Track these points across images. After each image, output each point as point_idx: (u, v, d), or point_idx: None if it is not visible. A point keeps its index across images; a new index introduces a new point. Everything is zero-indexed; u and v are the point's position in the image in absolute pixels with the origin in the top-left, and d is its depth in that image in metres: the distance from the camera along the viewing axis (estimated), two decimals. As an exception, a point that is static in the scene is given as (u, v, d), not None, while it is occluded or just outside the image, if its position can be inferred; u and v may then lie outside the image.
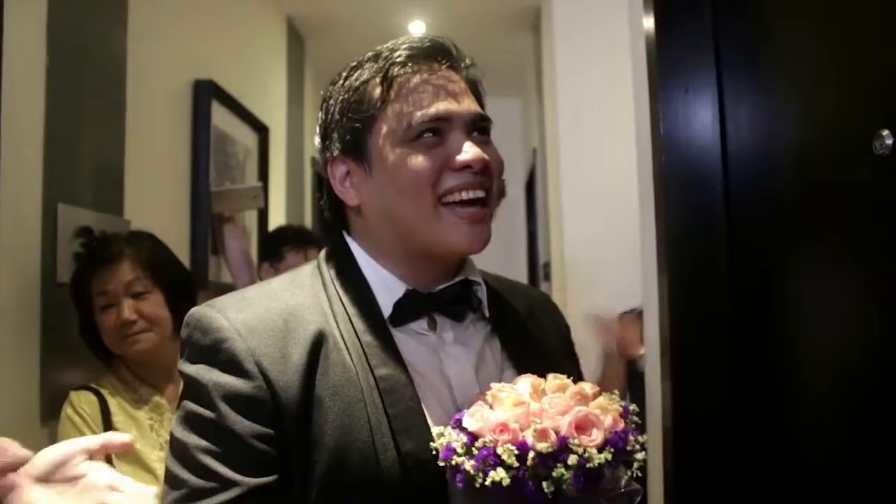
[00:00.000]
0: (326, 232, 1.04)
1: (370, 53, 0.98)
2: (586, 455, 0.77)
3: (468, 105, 0.95)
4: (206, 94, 2.65)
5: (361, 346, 0.90)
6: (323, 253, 1.02)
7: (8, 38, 1.53)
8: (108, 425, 1.54)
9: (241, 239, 2.71)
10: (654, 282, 1.55)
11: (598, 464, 0.77)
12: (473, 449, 0.79)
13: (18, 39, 1.58)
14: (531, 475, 0.76)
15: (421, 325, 0.96)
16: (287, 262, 2.40)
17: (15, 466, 0.89)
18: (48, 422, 1.64)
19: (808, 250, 1.24)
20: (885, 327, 1.04)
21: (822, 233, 1.20)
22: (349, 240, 1.00)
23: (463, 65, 1.00)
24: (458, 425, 0.83)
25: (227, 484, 0.81)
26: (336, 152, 0.97)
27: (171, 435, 0.87)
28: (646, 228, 1.62)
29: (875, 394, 1.07)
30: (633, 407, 0.86)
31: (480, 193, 0.93)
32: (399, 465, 0.84)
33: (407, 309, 0.94)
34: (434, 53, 0.96)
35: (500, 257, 4.60)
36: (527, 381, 0.86)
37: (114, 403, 1.57)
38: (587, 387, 0.85)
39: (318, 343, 0.88)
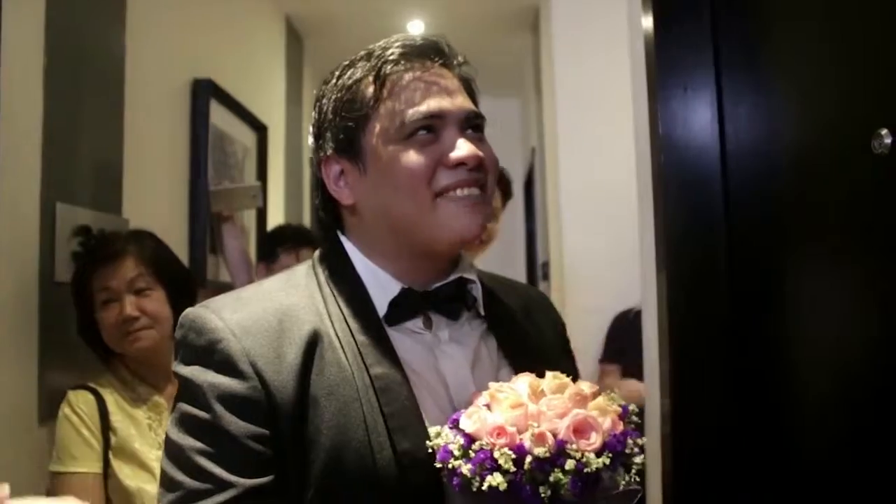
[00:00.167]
0: (324, 232, 1.04)
1: (363, 52, 0.98)
2: (584, 460, 0.76)
3: (461, 102, 0.95)
4: (205, 93, 2.64)
5: (356, 345, 0.90)
6: (317, 253, 1.02)
7: (6, 37, 1.53)
8: (105, 425, 1.54)
9: (240, 238, 2.71)
10: (652, 281, 1.55)
11: (596, 468, 0.76)
12: (470, 452, 0.78)
13: (16, 39, 1.58)
14: (528, 479, 0.76)
15: (416, 323, 0.95)
16: (281, 262, 2.40)
17: None
18: (46, 422, 1.64)
19: (808, 250, 1.24)
20: (885, 327, 1.04)
21: (821, 232, 1.20)
22: (343, 239, 1.00)
23: (455, 62, 0.99)
24: (455, 426, 0.82)
25: (223, 485, 0.81)
26: (330, 151, 0.96)
27: (167, 436, 0.87)
28: (645, 228, 1.62)
29: (875, 394, 1.07)
30: (632, 407, 0.86)
31: (475, 191, 0.93)
32: (395, 465, 0.84)
33: (402, 308, 0.94)
34: (427, 51, 0.96)
35: (499, 257, 4.61)
36: (525, 381, 0.85)
37: (112, 403, 1.57)
38: (586, 387, 0.85)
39: (313, 343, 0.88)
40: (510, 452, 0.76)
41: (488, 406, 0.83)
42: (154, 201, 2.30)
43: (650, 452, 1.63)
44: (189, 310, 0.92)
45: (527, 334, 1.04)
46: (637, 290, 2.14)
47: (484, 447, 0.78)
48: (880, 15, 1.03)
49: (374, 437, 0.85)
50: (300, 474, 0.84)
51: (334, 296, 0.94)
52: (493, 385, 0.85)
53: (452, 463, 0.79)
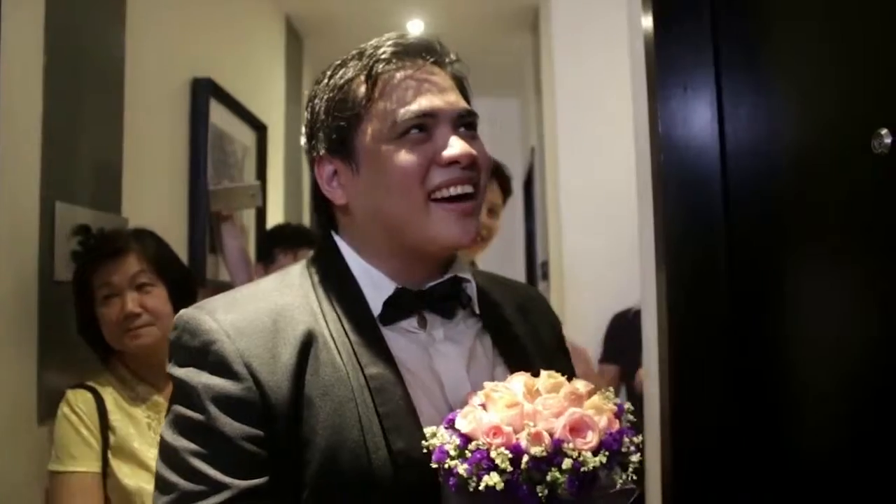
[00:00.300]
0: (320, 231, 1.04)
1: (355, 51, 0.97)
2: (581, 459, 0.76)
3: (454, 100, 0.95)
4: (205, 92, 2.64)
5: (351, 345, 0.90)
6: (312, 253, 1.02)
7: (6, 36, 1.52)
8: (104, 423, 1.54)
9: (240, 238, 2.71)
10: (652, 281, 1.55)
11: (593, 467, 0.76)
12: (466, 452, 0.78)
13: (16, 38, 1.58)
14: (525, 479, 0.76)
15: (411, 323, 0.95)
16: (278, 263, 2.39)
17: None
18: (45, 421, 1.64)
19: (808, 249, 1.24)
20: (885, 327, 1.04)
21: (821, 232, 1.20)
22: (338, 239, 0.99)
23: (448, 60, 0.99)
24: (451, 426, 0.82)
25: (218, 487, 0.81)
26: (322, 152, 0.96)
27: (161, 438, 0.87)
28: (644, 227, 1.62)
29: (875, 393, 1.07)
30: (627, 405, 0.86)
31: (469, 189, 0.93)
32: (391, 464, 0.84)
33: (396, 307, 0.94)
34: (419, 50, 0.96)
35: (499, 256, 4.61)
36: (520, 380, 0.85)
37: (111, 402, 1.57)
38: (581, 385, 0.85)
39: (308, 343, 0.88)
40: (507, 452, 0.76)
41: (483, 406, 0.83)
42: (153, 200, 2.30)
43: (650, 452, 1.63)
44: (183, 311, 0.92)
45: (522, 332, 1.03)
46: (636, 289, 2.14)
47: (480, 447, 0.77)
48: (880, 15, 1.03)
49: (369, 437, 0.84)
50: (295, 475, 0.84)
51: (328, 296, 0.94)
52: (488, 384, 0.85)
53: (449, 463, 0.78)
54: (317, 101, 0.97)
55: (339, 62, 0.98)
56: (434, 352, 0.94)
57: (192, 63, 2.63)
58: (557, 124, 3.15)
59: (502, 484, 0.75)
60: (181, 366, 0.88)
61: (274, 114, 3.59)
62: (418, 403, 0.89)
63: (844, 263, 1.15)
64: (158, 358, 1.64)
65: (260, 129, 3.32)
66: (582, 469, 0.76)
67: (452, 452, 0.79)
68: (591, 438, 0.78)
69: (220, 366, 0.85)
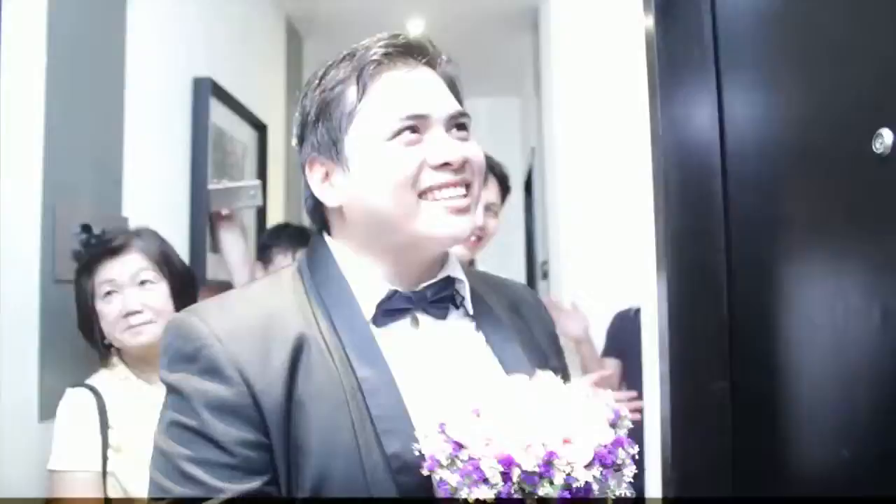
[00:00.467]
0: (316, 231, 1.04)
1: (346, 52, 0.97)
2: (573, 473, 0.75)
3: (445, 102, 0.94)
4: (205, 92, 2.64)
5: (343, 347, 0.89)
6: (304, 254, 1.01)
7: (7, 36, 1.53)
8: (104, 422, 1.54)
9: (240, 237, 2.70)
10: (653, 281, 1.55)
11: (586, 482, 0.75)
12: (457, 461, 0.77)
13: (18, 37, 1.58)
14: (516, 490, 0.75)
15: (403, 324, 0.95)
16: (276, 263, 2.39)
17: None
18: (46, 419, 1.64)
19: (808, 249, 1.24)
20: (886, 327, 1.04)
21: (821, 232, 1.20)
22: (329, 240, 0.99)
23: (439, 60, 0.98)
24: (443, 431, 0.81)
25: (211, 492, 0.81)
26: (314, 153, 0.96)
27: (154, 444, 0.87)
28: (644, 227, 1.62)
29: (875, 394, 1.07)
30: (623, 412, 0.83)
31: (461, 191, 0.92)
32: (384, 467, 0.84)
33: (389, 309, 0.94)
34: (410, 50, 0.95)
35: (499, 256, 4.61)
36: (515, 385, 0.84)
37: (111, 401, 1.57)
38: (577, 389, 0.83)
39: (300, 346, 0.88)
40: (498, 465, 0.75)
41: (476, 412, 0.81)
42: (154, 199, 2.30)
43: (650, 452, 1.63)
44: (174, 315, 0.92)
45: (515, 332, 1.03)
46: (636, 289, 2.14)
47: (472, 457, 0.76)
48: (881, 14, 1.03)
49: (362, 440, 0.84)
50: (289, 478, 0.84)
51: (320, 298, 0.93)
52: (480, 387, 0.84)
53: (439, 473, 0.78)
54: (307, 101, 0.97)
55: (330, 63, 0.97)
56: (427, 354, 0.94)
57: (193, 63, 2.63)
58: (558, 124, 3.14)
59: (493, 497, 0.74)
60: (173, 371, 0.88)
61: (274, 113, 3.59)
62: (411, 405, 0.88)
63: (845, 263, 1.15)
64: (158, 356, 1.64)
65: (260, 129, 3.32)
66: (574, 484, 0.74)
67: (443, 462, 0.78)
68: (585, 451, 0.76)
69: (212, 370, 0.85)
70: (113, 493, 1.53)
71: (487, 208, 2.18)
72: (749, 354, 1.39)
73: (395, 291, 0.94)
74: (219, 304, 0.93)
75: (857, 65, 1.09)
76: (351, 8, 3.98)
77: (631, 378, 2.55)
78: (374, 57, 0.93)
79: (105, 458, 1.53)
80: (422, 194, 0.91)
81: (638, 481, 1.83)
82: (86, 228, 1.80)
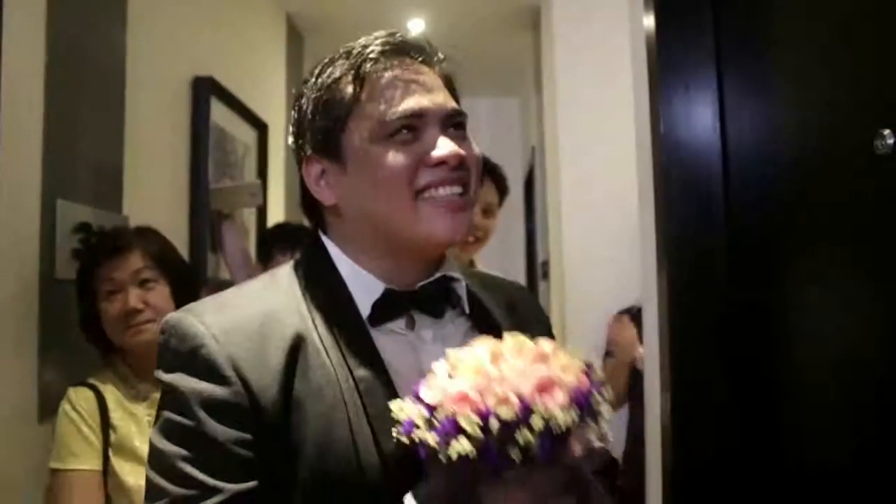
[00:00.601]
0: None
1: (342, 50, 0.96)
2: (551, 418, 0.74)
3: (442, 100, 0.94)
4: (206, 90, 2.64)
5: (340, 347, 0.89)
6: (299, 254, 1.01)
7: (7, 34, 1.53)
8: (105, 421, 1.54)
9: (240, 236, 2.71)
10: (653, 280, 1.55)
11: (565, 425, 0.74)
12: (434, 421, 0.76)
13: (18, 36, 1.58)
14: (496, 443, 0.74)
15: (399, 324, 0.94)
16: (276, 262, 2.38)
17: None
18: (46, 419, 1.64)
19: (809, 250, 1.24)
20: (887, 327, 1.04)
21: (822, 232, 1.20)
22: (325, 240, 0.99)
23: (436, 59, 0.98)
24: (418, 397, 0.80)
25: (208, 491, 0.80)
26: (310, 151, 0.96)
27: (150, 444, 0.86)
28: (645, 227, 1.62)
29: (876, 394, 1.07)
30: (595, 363, 0.83)
31: (457, 189, 0.92)
32: (380, 466, 0.84)
33: (385, 308, 0.93)
34: (407, 49, 0.95)
35: (499, 256, 4.61)
36: (485, 346, 0.83)
37: (112, 400, 1.57)
38: (546, 345, 0.83)
39: (297, 345, 0.87)
40: (474, 417, 0.74)
41: (449, 375, 0.81)
42: (154, 199, 2.30)
43: (651, 451, 1.63)
44: (171, 314, 0.91)
45: (510, 331, 1.03)
46: (637, 289, 2.14)
47: (449, 415, 0.75)
48: (883, 14, 1.03)
49: (358, 439, 0.84)
50: (286, 477, 0.84)
51: (317, 297, 0.93)
52: (451, 352, 0.83)
53: (417, 434, 0.77)
54: (304, 100, 0.96)
55: (326, 60, 0.96)
56: (423, 353, 0.94)
57: (193, 61, 2.63)
58: (558, 124, 3.14)
59: (473, 451, 0.73)
60: (169, 370, 0.87)
61: (275, 112, 3.59)
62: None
63: (846, 264, 1.15)
64: (160, 355, 1.64)
65: (261, 128, 3.32)
66: (553, 428, 0.74)
67: (419, 422, 0.77)
68: (560, 397, 0.76)
69: (209, 370, 0.84)
70: (113, 492, 1.53)
71: (486, 209, 2.18)
72: (750, 354, 1.38)
73: (391, 291, 0.94)
74: (215, 304, 0.92)
75: (860, 65, 1.09)
76: (351, 7, 3.98)
77: (631, 377, 2.55)
78: (372, 55, 0.93)
79: (106, 458, 1.53)
80: (418, 193, 0.91)
81: (638, 479, 1.84)
82: (85, 227, 1.80)
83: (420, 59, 0.95)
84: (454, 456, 0.74)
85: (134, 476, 1.52)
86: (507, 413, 0.74)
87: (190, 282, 1.74)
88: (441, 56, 0.98)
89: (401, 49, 0.94)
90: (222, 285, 2.53)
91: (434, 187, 0.91)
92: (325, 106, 0.94)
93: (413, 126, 0.91)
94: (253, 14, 3.50)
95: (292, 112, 1.00)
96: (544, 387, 0.76)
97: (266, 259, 2.45)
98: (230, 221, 2.63)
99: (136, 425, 1.57)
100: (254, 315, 0.89)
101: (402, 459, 0.83)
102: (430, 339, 0.95)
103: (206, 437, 0.82)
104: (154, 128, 2.31)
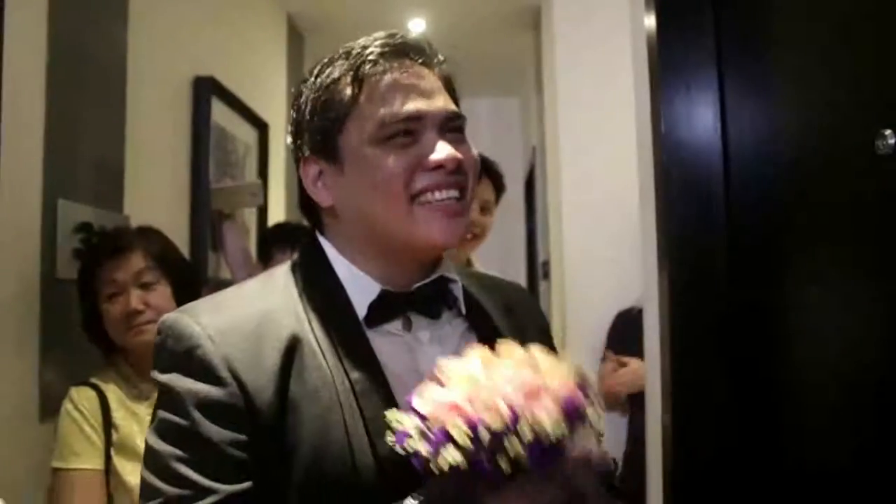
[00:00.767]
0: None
1: (342, 50, 0.95)
2: (538, 425, 0.74)
3: (441, 103, 0.93)
4: (206, 90, 2.64)
5: (336, 348, 0.89)
6: (297, 254, 1.01)
7: (9, 34, 1.53)
8: (107, 421, 1.54)
9: (241, 236, 2.71)
10: (654, 280, 1.55)
11: (554, 433, 0.74)
12: (427, 431, 0.76)
13: (19, 36, 1.58)
14: (487, 453, 0.74)
15: (395, 325, 0.94)
16: (276, 260, 2.39)
17: None
18: (47, 418, 1.64)
19: (810, 250, 1.24)
20: (887, 327, 1.04)
21: (823, 232, 1.20)
22: (323, 240, 0.98)
23: (436, 60, 0.97)
24: (412, 408, 0.80)
25: (203, 492, 0.80)
26: (308, 152, 0.96)
27: (146, 444, 0.86)
28: (646, 227, 1.62)
29: (876, 395, 1.07)
30: (587, 373, 0.83)
31: (454, 193, 0.92)
32: (375, 468, 0.84)
33: (381, 310, 0.93)
34: (407, 50, 0.94)
35: (500, 256, 4.61)
36: (477, 354, 0.83)
37: (114, 399, 1.57)
38: (537, 353, 0.83)
39: (292, 347, 0.87)
40: (464, 426, 0.74)
41: (442, 384, 0.81)
42: (155, 198, 2.30)
43: (651, 450, 1.63)
44: (167, 315, 0.91)
45: (508, 334, 1.01)
46: (637, 289, 2.14)
47: (441, 426, 0.75)
48: (883, 14, 1.03)
49: (354, 441, 0.84)
50: (281, 479, 0.84)
51: (313, 298, 0.93)
52: (443, 362, 0.83)
53: (409, 444, 0.77)
54: (302, 99, 0.96)
55: (326, 60, 0.96)
56: (419, 354, 0.94)
57: (194, 61, 2.63)
58: (559, 124, 3.15)
59: (465, 461, 0.73)
60: (165, 371, 0.87)
61: (276, 112, 3.59)
62: (403, 406, 0.87)
63: (846, 264, 1.15)
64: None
65: (261, 128, 3.32)
66: (542, 436, 0.74)
67: (413, 434, 0.77)
68: (549, 404, 0.76)
69: (204, 371, 0.84)
70: (115, 492, 1.53)
71: (483, 206, 2.18)
72: (750, 354, 1.39)
73: (387, 292, 0.94)
74: (212, 304, 0.92)
75: (861, 65, 1.09)
76: (352, 7, 3.98)
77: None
78: (371, 57, 0.92)
79: (108, 457, 1.53)
80: (415, 197, 0.90)
81: (639, 481, 1.84)
82: (86, 227, 1.80)
83: (420, 60, 0.94)
84: (445, 466, 0.74)
85: (136, 475, 1.52)
86: (495, 421, 0.74)
87: (191, 282, 1.74)
88: (441, 58, 0.98)
89: (400, 51, 0.94)
90: (223, 285, 2.53)
91: (431, 191, 0.90)
92: (323, 106, 0.93)
93: (411, 129, 0.91)
94: (254, 14, 3.50)
95: (291, 111, 0.99)
96: (532, 394, 0.76)
97: (266, 258, 2.45)
98: (231, 221, 2.63)
99: (138, 424, 1.57)
100: (250, 316, 0.89)
101: (398, 461, 0.83)
102: (426, 341, 0.95)
103: (200, 437, 0.82)
104: (155, 127, 2.31)
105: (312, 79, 0.96)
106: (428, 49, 0.97)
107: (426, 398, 0.79)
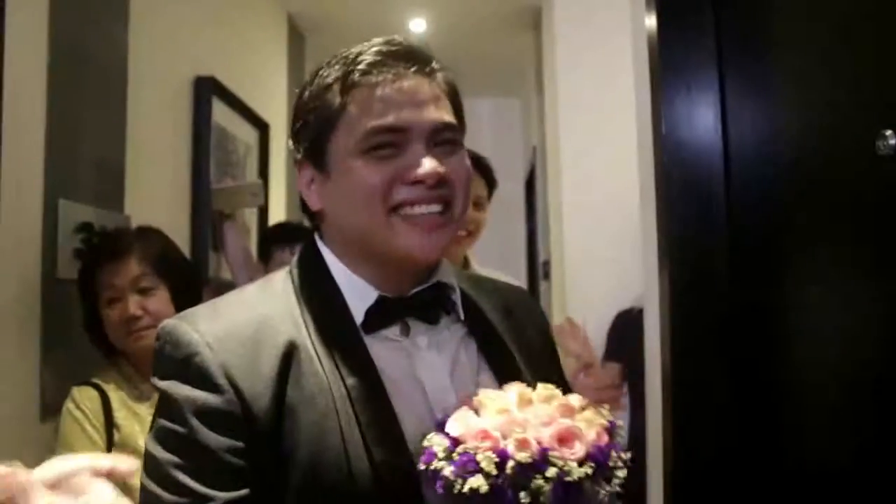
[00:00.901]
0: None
1: (340, 55, 0.94)
2: (566, 468, 0.76)
3: (430, 114, 0.90)
4: (207, 90, 2.64)
5: (333, 354, 0.89)
6: (295, 259, 1.00)
7: (10, 34, 1.53)
8: (109, 421, 1.54)
9: (242, 236, 2.71)
10: (654, 281, 1.55)
11: (578, 478, 0.76)
12: (454, 454, 0.78)
13: (20, 36, 1.58)
14: (510, 484, 0.75)
15: (393, 331, 0.94)
16: (275, 259, 2.39)
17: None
18: (48, 418, 1.64)
19: (810, 251, 1.24)
20: (887, 328, 1.04)
21: (823, 233, 1.20)
22: (321, 245, 0.98)
23: (434, 68, 0.94)
24: (443, 429, 0.82)
25: (201, 499, 0.81)
26: (302, 156, 0.95)
27: (145, 451, 0.86)
28: (647, 227, 1.62)
29: (876, 395, 1.07)
30: (619, 423, 0.85)
31: (435, 207, 0.90)
32: (372, 474, 0.83)
33: (378, 315, 0.93)
34: (402, 58, 0.92)
35: (500, 256, 4.60)
36: (515, 390, 0.85)
37: (115, 399, 1.57)
38: (575, 399, 0.85)
39: (289, 353, 0.87)
40: (493, 456, 0.76)
41: (476, 411, 0.83)
42: (156, 198, 2.30)
43: (651, 452, 1.63)
44: (166, 321, 0.91)
45: (508, 336, 1.02)
46: (638, 289, 2.14)
47: (468, 450, 0.77)
48: (883, 14, 1.03)
49: (350, 447, 0.84)
50: (278, 486, 0.84)
51: (311, 303, 0.93)
52: (482, 391, 0.85)
53: (435, 464, 0.78)
54: (300, 102, 0.96)
55: (324, 64, 0.95)
56: (417, 360, 0.93)
57: (195, 61, 2.63)
58: (559, 124, 3.15)
59: (487, 487, 0.75)
60: (164, 377, 0.88)
61: (276, 112, 3.59)
62: (400, 412, 0.88)
63: (847, 265, 1.15)
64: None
65: (262, 128, 3.32)
66: (566, 478, 0.75)
67: (440, 454, 0.79)
68: (578, 449, 0.78)
69: (202, 378, 0.84)
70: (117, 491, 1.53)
71: (475, 202, 2.17)
72: (750, 354, 1.39)
73: (385, 298, 0.93)
74: (211, 310, 0.92)
75: (861, 66, 1.09)
76: (353, 7, 3.98)
77: (632, 377, 2.55)
78: (361, 66, 0.91)
79: (109, 452, 1.53)
80: (394, 209, 0.89)
81: (639, 480, 1.84)
82: (87, 227, 1.80)
83: (414, 68, 0.92)
84: (467, 490, 0.75)
85: (137, 476, 1.53)
86: (523, 456, 0.76)
87: (191, 283, 1.73)
88: (435, 66, 0.95)
89: (395, 58, 0.92)
90: (224, 285, 2.54)
91: (410, 205, 0.89)
92: (315, 113, 0.93)
93: (393, 142, 0.89)
94: (254, 14, 3.50)
95: (293, 113, 0.99)
96: (565, 437, 0.78)
97: (266, 258, 2.46)
98: (231, 221, 2.63)
99: (140, 425, 1.57)
100: (248, 322, 0.89)
101: (394, 468, 0.83)
102: (424, 346, 0.94)
103: (198, 444, 0.82)
104: (156, 127, 2.31)
105: (311, 81, 0.95)
106: (426, 56, 0.95)
107: (460, 422, 0.81)
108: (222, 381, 0.84)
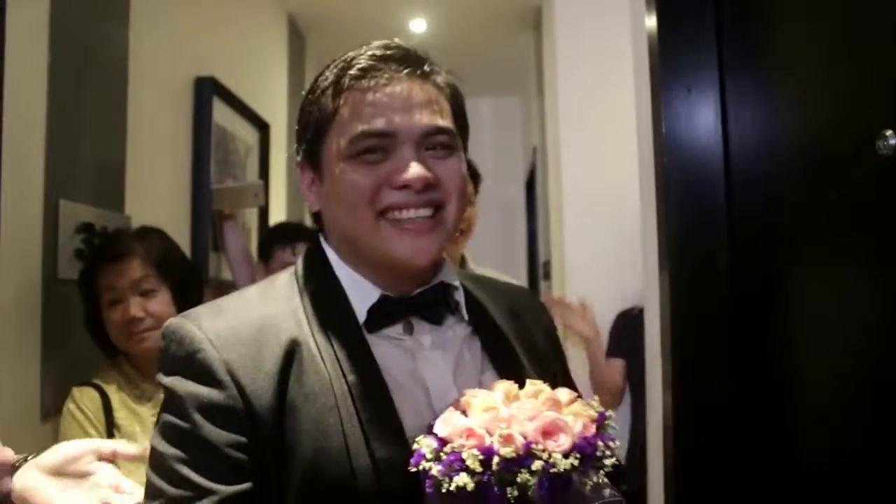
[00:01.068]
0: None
1: (339, 58, 0.95)
2: (551, 460, 0.76)
3: (421, 119, 0.90)
4: (208, 91, 2.65)
5: (335, 352, 0.89)
6: (300, 258, 1.01)
7: (10, 34, 1.53)
8: (110, 421, 1.55)
9: (242, 236, 2.71)
10: (655, 281, 1.55)
11: (565, 469, 0.76)
12: (441, 454, 0.79)
13: (21, 36, 1.58)
14: (496, 481, 0.76)
15: (396, 329, 0.94)
16: (276, 258, 2.40)
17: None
18: (48, 418, 1.64)
19: (810, 250, 1.24)
20: (888, 327, 1.04)
21: (824, 233, 1.20)
22: (325, 245, 0.99)
23: (423, 72, 0.93)
24: (432, 431, 0.83)
25: (203, 493, 0.82)
26: (302, 158, 0.97)
27: (151, 446, 0.88)
28: (647, 228, 1.62)
29: (877, 395, 1.07)
30: (609, 413, 0.85)
31: (423, 212, 0.90)
32: (372, 471, 0.84)
33: (381, 314, 0.93)
34: (396, 61, 0.92)
35: (500, 256, 4.61)
36: (502, 387, 0.86)
37: (116, 399, 1.58)
38: (563, 393, 0.85)
39: (291, 351, 0.88)
40: (477, 453, 0.76)
41: (464, 412, 0.83)
42: (156, 199, 2.31)
43: (652, 451, 1.63)
44: (171, 320, 0.92)
45: (512, 337, 1.02)
46: (638, 289, 2.14)
47: (455, 449, 0.78)
48: (883, 14, 1.03)
49: (351, 445, 0.84)
50: (279, 481, 0.85)
51: (314, 302, 0.93)
52: (468, 392, 0.86)
53: (424, 465, 0.79)
54: (302, 104, 0.97)
55: (329, 64, 0.96)
56: (420, 358, 0.94)
57: (195, 62, 2.63)
58: (560, 124, 3.15)
59: (472, 484, 0.75)
60: (168, 374, 0.89)
61: (277, 112, 3.59)
62: (402, 411, 0.88)
63: (847, 264, 1.15)
64: (161, 359, 1.65)
65: (263, 128, 3.33)
66: (552, 471, 0.75)
67: (428, 455, 0.79)
68: (564, 441, 0.78)
69: (205, 374, 0.85)
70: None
71: None
72: (752, 354, 1.39)
73: (387, 297, 0.94)
74: (214, 309, 0.93)
75: (862, 66, 1.09)
76: (353, 8, 3.98)
77: (633, 377, 2.55)
78: (354, 70, 0.91)
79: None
80: (381, 213, 0.90)
81: (640, 480, 1.84)
82: (88, 227, 1.80)
83: (407, 71, 0.91)
84: (454, 488, 0.76)
85: (137, 476, 1.53)
86: (508, 451, 0.76)
87: (192, 283, 1.73)
88: (427, 69, 0.94)
89: (390, 61, 0.92)
90: (224, 285, 2.54)
91: (398, 209, 0.90)
92: (311, 116, 0.94)
93: (381, 146, 0.90)
94: (255, 14, 3.50)
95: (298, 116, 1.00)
96: (550, 430, 0.79)
97: (267, 257, 2.46)
98: (232, 222, 2.63)
99: (141, 425, 1.57)
100: (251, 321, 0.90)
101: (395, 465, 0.84)
102: (428, 345, 0.95)
103: (201, 439, 0.83)
104: (156, 128, 2.31)
105: (314, 82, 0.96)
106: (422, 59, 0.94)
107: (447, 423, 0.81)
108: (225, 377, 0.85)
